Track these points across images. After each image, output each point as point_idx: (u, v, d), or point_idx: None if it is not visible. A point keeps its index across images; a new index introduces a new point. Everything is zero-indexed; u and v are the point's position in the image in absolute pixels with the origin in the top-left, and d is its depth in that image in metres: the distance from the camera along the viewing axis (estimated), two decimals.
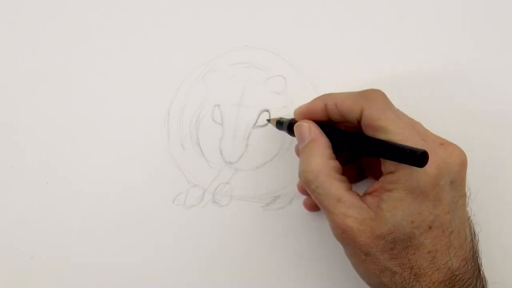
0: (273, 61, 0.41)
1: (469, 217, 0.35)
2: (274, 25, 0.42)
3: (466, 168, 0.34)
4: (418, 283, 0.33)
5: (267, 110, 0.41)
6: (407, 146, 0.31)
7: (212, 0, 0.42)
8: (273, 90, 0.42)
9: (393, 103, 0.36)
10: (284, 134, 0.40)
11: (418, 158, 0.30)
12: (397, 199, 0.32)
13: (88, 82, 0.42)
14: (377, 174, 0.35)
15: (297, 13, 0.42)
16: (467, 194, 0.35)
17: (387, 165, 0.33)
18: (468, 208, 0.35)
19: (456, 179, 0.33)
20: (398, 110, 0.35)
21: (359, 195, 0.34)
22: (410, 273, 0.33)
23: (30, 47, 0.42)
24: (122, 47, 0.42)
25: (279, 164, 0.42)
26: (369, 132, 0.34)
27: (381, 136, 0.33)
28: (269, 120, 0.41)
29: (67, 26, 0.42)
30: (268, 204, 0.42)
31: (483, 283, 0.35)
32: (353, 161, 0.39)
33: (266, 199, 0.42)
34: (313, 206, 0.40)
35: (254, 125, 0.41)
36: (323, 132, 0.36)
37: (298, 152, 0.40)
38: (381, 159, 0.33)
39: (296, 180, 0.40)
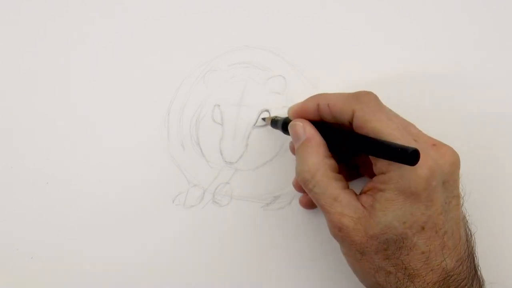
0: (273, 61, 0.41)
1: (464, 218, 0.35)
2: (274, 25, 0.42)
3: (459, 169, 0.34)
4: (412, 284, 0.33)
5: (267, 110, 0.41)
6: (398, 144, 0.31)
7: (212, 0, 0.42)
8: (273, 90, 0.42)
9: (392, 103, 0.36)
10: (284, 134, 0.40)
11: (409, 156, 0.30)
12: (389, 199, 0.32)
13: (88, 82, 0.42)
14: (372, 173, 0.35)
15: (297, 13, 0.42)
16: (461, 194, 0.35)
17: (379, 165, 0.33)
18: (463, 209, 0.35)
19: (448, 180, 0.33)
20: (390, 111, 0.35)
21: (355, 193, 0.34)
22: (404, 274, 0.33)
23: (30, 47, 0.42)
24: (122, 47, 0.42)
25: (279, 164, 0.42)
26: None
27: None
28: (264, 119, 0.41)
29: (67, 26, 0.42)
30: (268, 204, 0.42)
31: (480, 283, 0.35)
32: (349, 159, 0.39)
33: (266, 199, 0.42)
34: (309, 204, 0.40)
35: (254, 125, 0.41)
36: (317, 131, 0.36)
37: (293, 150, 0.40)
38: (372, 159, 0.34)
39: None
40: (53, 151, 0.42)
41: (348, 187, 0.35)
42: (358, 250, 0.33)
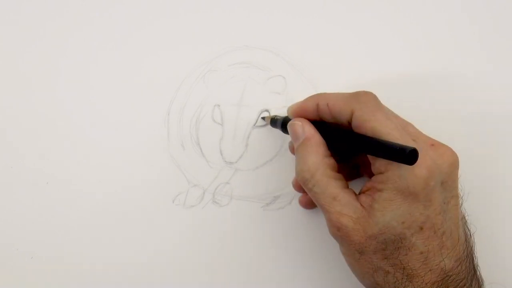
0: (273, 61, 0.41)
1: (463, 218, 0.35)
2: (274, 25, 0.42)
3: (458, 169, 0.34)
4: (410, 284, 0.33)
5: (267, 110, 0.41)
6: (397, 144, 0.31)
7: (212, 0, 0.42)
8: (273, 90, 0.42)
9: (392, 103, 0.36)
10: (284, 134, 0.40)
11: (407, 155, 0.30)
12: (387, 199, 0.32)
13: (88, 82, 0.42)
14: (371, 173, 0.35)
15: (297, 13, 0.42)
16: (460, 195, 0.35)
17: (377, 165, 0.33)
18: (462, 209, 0.35)
19: (447, 180, 0.33)
20: (389, 111, 0.35)
21: (355, 193, 0.34)
22: (403, 274, 0.33)
23: (30, 47, 0.42)
24: (122, 47, 0.42)
25: (279, 164, 0.42)
26: None
27: None
28: (264, 118, 0.41)
29: (67, 26, 0.42)
30: (268, 204, 0.42)
31: (479, 283, 0.35)
32: (349, 158, 0.39)
33: (266, 199, 0.42)
34: (308, 204, 0.40)
35: (254, 125, 0.41)
36: (316, 130, 0.36)
37: (292, 149, 0.40)
38: (371, 159, 0.34)
39: None
40: (53, 151, 0.42)
41: (347, 187, 0.35)
42: (357, 249, 0.33)
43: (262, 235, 0.42)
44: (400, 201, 0.32)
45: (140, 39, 0.42)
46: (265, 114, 0.41)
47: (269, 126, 0.41)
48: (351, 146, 0.34)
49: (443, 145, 0.34)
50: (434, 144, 0.34)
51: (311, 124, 0.36)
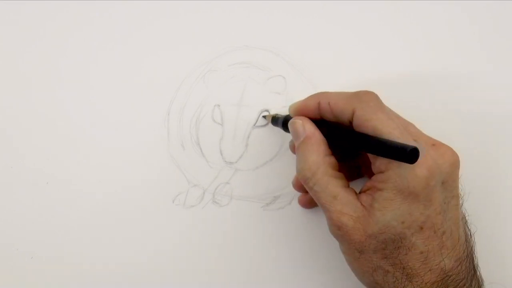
0: (273, 61, 0.41)
1: (464, 218, 0.35)
2: (274, 25, 0.42)
3: (458, 169, 0.34)
4: (410, 283, 0.33)
5: (267, 110, 0.41)
6: (398, 143, 0.31)
7: (212, 0, 0.42)
8: (273, 90, 0.42)
9: (392, 103, 0.36)
10: (284, 134, 0.40)
11: (408, 154, 0.30)
12: (387, 198, 0.32)
13: (88, 82, 0.42)
14: (372, 173, 0.35)
15: (297, 13, 0.42)
16: (461, 194, 0.35)
17: (378, 164, 0.33)
18: (462, 209, 0.35)
19: (447, 180, 0.33)
20: (391, 111, 0.35)
21: (355, 192, 0.34)
22: (402, 273, 0.33)
23: (30, 47, 0.42)
24: (122, 47, 0.42)
25: (279, 164, 0.42)
26: None
27: None
28: (265, 117, 0.41)
29: (67, 26, 0.42)
30: (268, 204, 0.42)
31: (479, 283, 0.35)
32: (350, 158, 0.39)
33: (266, 199, 0.42)
34: (307, 203, 0.40)
35: (254, 125, 0.41)
36: (317, 129, 0.36)
37: (292, 148, 0.40)
38: (371, 158, 0.34)
39: None
40: (53, 151, 0.42)
41: (348, 186, 0.35)
42: (357, 248, 0.33)
43: (262, 235, 0.42)
44: (400, 200, 0.32)
45: (140, 39, 0.42)
46: (265, 114, 0.41)
47: (269, 126, 0.41)
48: (352, 144, 0.34)
49: (444, 145, 0.34)
50: (435, 144, 0.34)
51: (312, 123, 0.36)
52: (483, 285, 0.35)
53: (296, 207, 0.41)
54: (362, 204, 0.33)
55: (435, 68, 0.41)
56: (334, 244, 0.35)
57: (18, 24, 0.42)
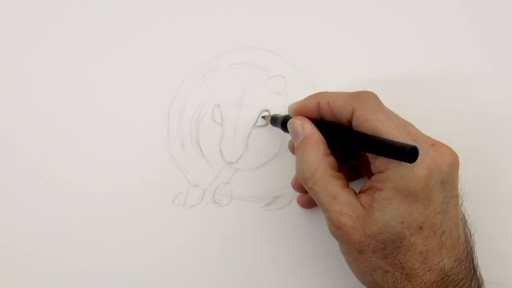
0: (273, 61, 0.41)
1: (463, 218, 0.35)
2: (274, 25, 0.42)
3: (458, 169, 0.34)
4: (409, 283, 0.33)
5: (267, 110, 0.41)
6: (397, 142, 0.31)
7: (212, 0, 0.42)
8: (273, 90, 0.42)
9: (392, 103, 0.36)
10: (284, 134, 0.40)
11: (408, 153, 0.30)
12: (387, 198, 0.32)
13: (88, 82, 0.42)
14: (371, 173, 0.35)
15: (297, 13, 0.42)
16: (460, 194, 0.35)
17: (377, 164, 0.33)
18: (462, 208, 0.35)
19: (447, 180, 0.33)
20: (390, 111, 0.35)
21: (355, 192, 0.34)
22: (402, 273, 0.33)
23: (30, 47, 0.42)
24: (122, 47, 0.42)
25: (279, 164, 0.42)
26: None
27: None
28: (264, 117, 0.41)
29: (67, 26, 0.42)
30: (268, 204, 0.42)
31: (478, 283, 0.35)
32: (350, 158, 0.39)
33: (266, 199, 0.42)
34: (307, 203, 0.40)
35: (254, 125, 0.41)
36: (316, 129, 0.36)
37: (291, 148, 0.40)
38: (371, 158, 0.34)
39: None
40: (53, 151, 0.42)
41: (347, 186, 0.35)
42: (356, 248, 0.33)
43: (262, 235, 0.42)
44: (399, 200, 0.32)
45: (140, 39, 0.42)
46: (265, 114, 0.41)
47: (269, 126, 0.41)
48: (351, 144, 0.34)
49: (443, 145, 0.34)
50: (434, 144, 0.34)
51: (311, 123, 0.36)
52: (483, 285, 0.35)
53: (296, 207, 0.41)
54: (361, 204, 0.33)
55: (435, 68, 0.41)
56: (334, 244, 0.35)
57: (18, 24, 0.42)
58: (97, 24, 0.42)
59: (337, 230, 0.34)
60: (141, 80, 0.42)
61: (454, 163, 0.34)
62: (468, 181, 0.36)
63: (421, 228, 0.32)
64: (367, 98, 0.34)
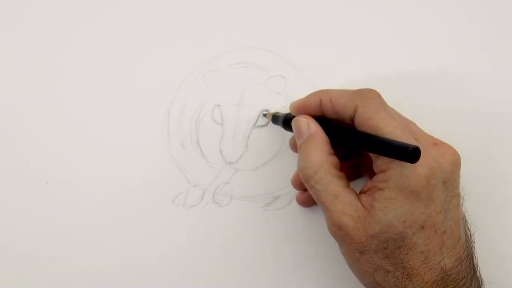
0: (273, 61, 0.41)
1: (464, 217, 0.35)
2: (274, 25, 0.42)
3: (459, 168, 0.34)
4: (410, 283, 0.33)
5: (267, 110, 0.41)
6: (399, 142, 0.31)
7: (212, 0, 0.42)
8: (273, 90, 0.42)
9: (392, 102, 0.36)
10: (284, 134, 0.40)
11: (410, 153, 0.30)
12: (389, 198, 0.32)
13: (88, 82, 0.42)
14: (372, 173, 0.35)
15: (297, 13, 0.42)
16: (461, 194, 0.35)
17: (379, 164, 0.33)
18: (463, 208, 0.35)
19: (448, 179, 0.33)
20: (392, 110, 0.35)
21: (356, 193, 0.34)
22: (403, 273, 0.33)
23: (30, 47, 0.42)
24: (122, 47, 0.42)
25: (279, 164, 0.42)
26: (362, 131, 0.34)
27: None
28: (265, 115, 0.41)
29: (67, 26, 0.42)
30: (268, 204, 0.42)
31: (478, 283, 0.35)
32: (350, 158, 0.39)
33: (266, 199, 0.42)
34: (306, 202, 0.40)
35: (254, 125, 0.41)
36: (321, 128, 0.36)
37: (292, 146, 0.40)
38: (372, 157, 0.34)
39: None
40: (53, 151, 0.42)
41: (349, 186, 0.35)
42: (357, 249, 0.33)
43: (262, 235, 0.42)
44: (401, 200, 0.32)
45: (140, 39, 0.42)
46: (266, 113, 0.41)
47: (269, 126, 0.41)
48: (353, 143, 0.34)
49: (445, 144, 0.34)
50: (436, 143, 0.34)
51: (316, 121, 0.36)
52: (482, 285, 0.35)
53: (296, 207, 0.41)
54: (362, 205, 0.33)
55: (435, 68, 0.41)
56: (334, 244, 0.35)
57: (18, 24, 0.42)
58: (97, 24, 0.42)
59: (338, 230, 0.34)
60: (141, 80, 0.42)
61: (456, 162, 0.34)
62: (468, 181, 0.36)
63: (422, 227, 0.32)
64: (370, 95, 0.34)
